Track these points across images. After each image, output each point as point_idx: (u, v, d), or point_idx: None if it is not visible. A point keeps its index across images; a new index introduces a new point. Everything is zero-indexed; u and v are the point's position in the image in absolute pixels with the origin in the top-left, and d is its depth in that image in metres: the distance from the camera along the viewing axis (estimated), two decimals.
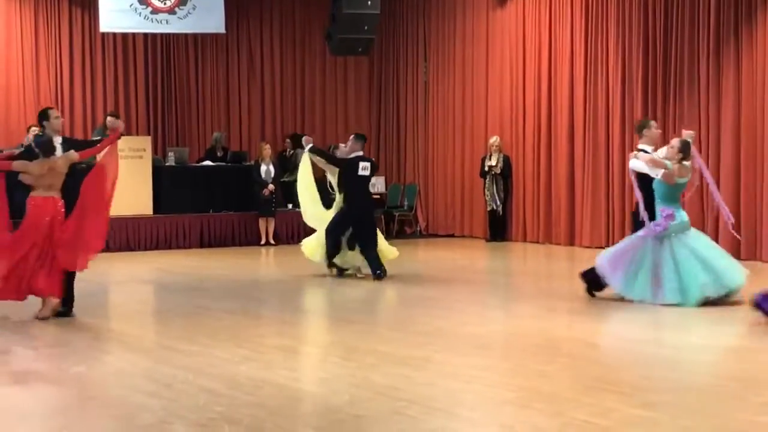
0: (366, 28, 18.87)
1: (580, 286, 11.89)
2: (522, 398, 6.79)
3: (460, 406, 6.60)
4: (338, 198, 13.68)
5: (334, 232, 13.41)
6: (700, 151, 14.51)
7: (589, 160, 17.76)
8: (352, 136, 14.01)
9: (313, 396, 6.94)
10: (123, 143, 18.72)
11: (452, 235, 21.02)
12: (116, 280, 14.81)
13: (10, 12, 20.12)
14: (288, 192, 19.39)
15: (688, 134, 11.21)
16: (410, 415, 6.26)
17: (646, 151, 11.22)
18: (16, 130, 18.53)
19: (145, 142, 19.16)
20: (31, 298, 10.29)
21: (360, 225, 13.39)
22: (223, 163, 20.14)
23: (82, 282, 11.99)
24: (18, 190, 10.51)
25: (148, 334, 9.72)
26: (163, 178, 19.06)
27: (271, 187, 19.04)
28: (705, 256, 10.84)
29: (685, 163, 10.86)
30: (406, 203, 22.16)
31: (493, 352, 8.75)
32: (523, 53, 19.30)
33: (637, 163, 11.09)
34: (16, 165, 10.02)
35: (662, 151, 11.16)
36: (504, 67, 19.77)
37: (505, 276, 14.18)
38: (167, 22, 20.15)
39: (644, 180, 11.01)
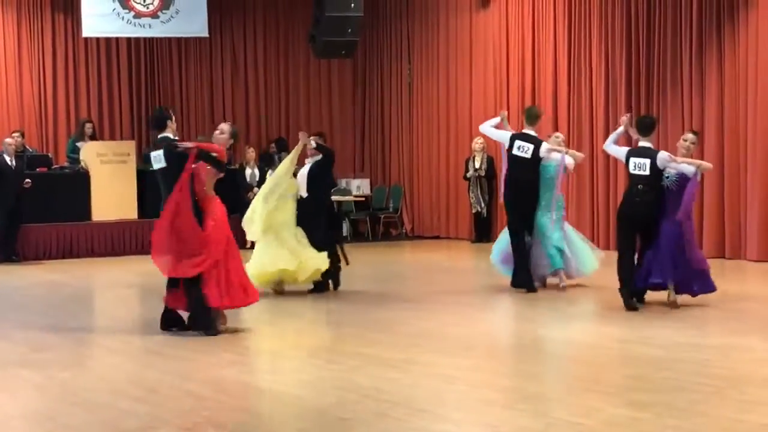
0: (349, 30, 18.87)
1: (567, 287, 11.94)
2: (506, 398, 6.80)
3: (445, 407, 6.61)
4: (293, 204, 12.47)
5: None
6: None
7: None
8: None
9: (298, 399, 6.94)
10: (106, 147, 18.76)
11: (438, 237, 21.03)
12: (101, 285, 14.78)
13: None
14: None
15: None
16: (395, 417, 6.27)
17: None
18: None
19: (129, 147, 19.11)
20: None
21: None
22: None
23: (67, 287, 12.01)
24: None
25: (133, 339, 9.70)
26: (147, 183, 19.00)
27: (255, 190, 19.01)
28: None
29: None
30: (391, 205, 22.17)
31: (478, 353, 8.76)
32: (506, 54, 19.32)
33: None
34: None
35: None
36: (488, 68, 19.80)
37: (489, 277, 14.15)
38: (150, 26, 20.10)
39: None
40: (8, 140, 17.32)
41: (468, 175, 19.11)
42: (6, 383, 7.62)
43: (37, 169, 17.87)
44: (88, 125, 19.04)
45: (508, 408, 6.52)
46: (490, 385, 7.38)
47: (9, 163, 16.97)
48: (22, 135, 18.53)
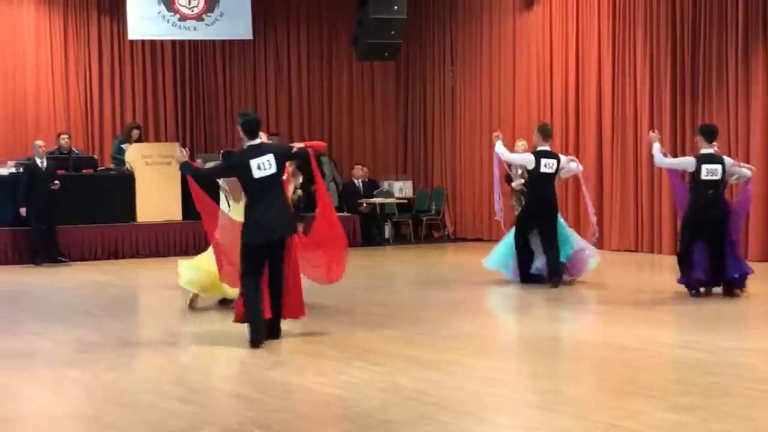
0: (393, 32, 18.92)
1: (605, 289, 11.87)
2: (547, 401, 6.79)
3: (487, 409, 6.60)
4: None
5: None
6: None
7: (617, 163, 17.70)
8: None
9: (342, 401, 6.96)
10: (152, 149, 18.91)
11: (480, 239, 20.99)
12: (146, 286, 14.89)
13: (40, 20, 20.29)
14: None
15: None
16: (438, 420, 6.27)
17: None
18: (46, 137, 18.64)
19: (173, 149, 19.23)
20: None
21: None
22: None
23: (112, 288, 12.09)
24: None
25: (178, 340, 9.77)
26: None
27: (299, 192, 19.04)
28: None
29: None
30: (433, 207, 22.16)
31: (519, 356, 8.75)
32: (550, 56, 19.26)
33: None
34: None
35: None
36: (531, 70, 19.74)
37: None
38: (195, 29, 20.26)
39: None
40: (39, 142, 17.48)
41: (513, 183, 19.01)
42: (53, 384, 7.69)
43: (83, 171, 18.05)
44: (135, 131, 19.14)
45: (548, 411, 6.50)
46: (531, 387, 7.37)
47: (40, 165, 17.13)
48: (69, 137, 18.70)
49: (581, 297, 12.45)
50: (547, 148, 13.30)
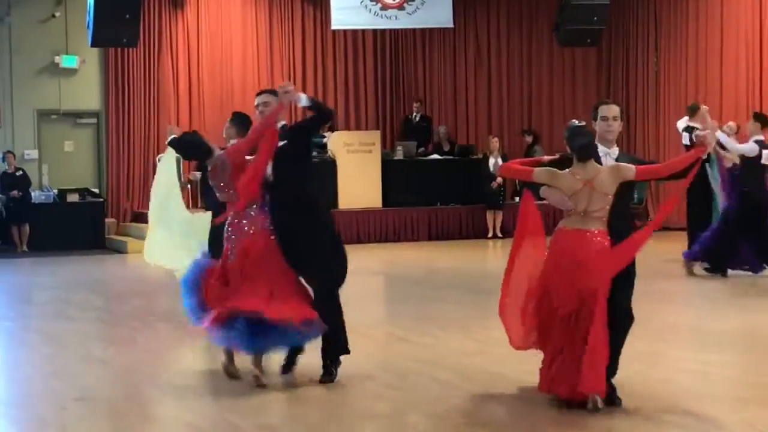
0: (595, 18, 18.63)
1: None
2: (764, 396, 6.56)
3: (699, 402, 6.43)
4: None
5: None
6: None
7: None
8: None
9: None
10: (353, 137, 19.18)
11: (683, 228, 20.43)
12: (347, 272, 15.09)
13: (246, 12, 20.84)
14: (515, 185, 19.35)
15: None
16: (648, 412, 6.15)
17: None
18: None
19: (374, 137, 19.51)
20: None
21: None
22: (451, 157, 20.26)
23: None
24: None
25: (380, 325, 9.87)
26: (391, 172, 19.33)
27: (499, 180, 19.02)
28: None
29: None
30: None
31: (731, 348, 8.49)
32: (760, 38, 18.57)
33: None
34: (540, 174, 6.50)
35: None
36: (740, 54, 19.09)
37: (738, 271, 13.70)
38: (396, 18, 20.42)
39: None
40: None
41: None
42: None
43: None
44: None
45: (764, 406, 6.29)
46: (744, 381, 7.15)
47: None
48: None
49: None
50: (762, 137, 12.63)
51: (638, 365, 7.44)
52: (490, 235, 19.20)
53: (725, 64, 19.46)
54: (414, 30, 21.59)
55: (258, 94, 7.48)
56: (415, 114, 20.98)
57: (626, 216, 6.65)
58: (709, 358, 7.85)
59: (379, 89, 21.87)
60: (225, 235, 7.28)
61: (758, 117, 13.04)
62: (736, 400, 6.60)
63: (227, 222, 7.33)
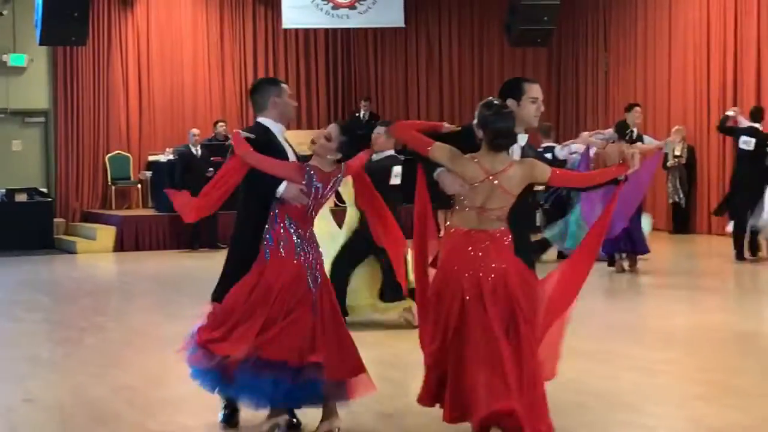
0: (545, 18, 18.72)
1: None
2: (710, 393, 6.63)
3: (645, 400, 6.48)
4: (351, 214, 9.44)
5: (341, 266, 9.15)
6: None
7: None
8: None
9: None
10: (304, 136, 19.09)
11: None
12: None
13: (197, 11, 20.72)
14: None
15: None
16: (594, 409, 6.20)
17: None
18: (203, 126, 19.02)
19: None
20: None
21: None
22: (402, 157, 20.22)
23: None
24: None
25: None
26: None
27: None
28: None
29: None
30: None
31: (680, 346, 8.57)
32: (707, 39, 18.75)
33: None
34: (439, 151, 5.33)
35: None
36: (687, 54, 19.26)
37: (689, 269, 13.85)
38: (348, 17, 20.40)
39: None
40: (194, 131, 17.83)
41: (668, 164, 18.61)
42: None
43: None
44: None
45: (711, 403, 6.35)
46: (692, 378, 7.21)
47: (194, 152, 17.47)
48: (226, 124, 19.03)
49: (743, 288, 12.13)
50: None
51: (585, 363, 7.49)
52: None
53: (673, 64, 19.63)
54: (366, 29, 21.59)
55: None
56: (363, 113, 20.98)
57: (524, 227, 5.51)
58: (655, 356, 7.92)
59: (331, 88, 21.86)
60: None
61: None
62: (683, 397, 6.66)
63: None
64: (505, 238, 5.22)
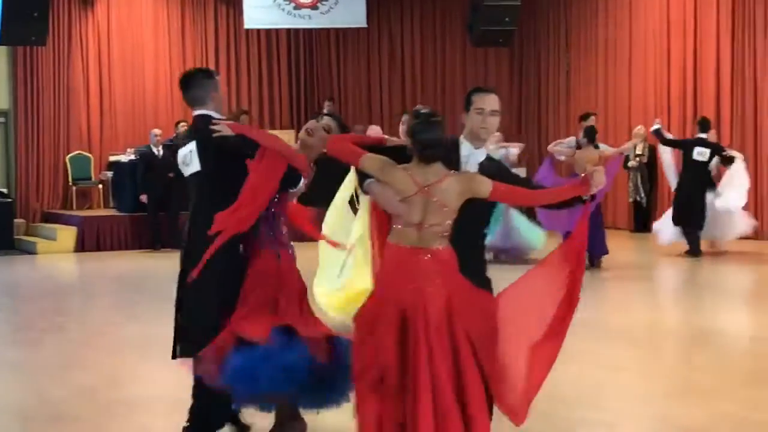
0: (507, 19, 18.79)
1: (731, 277, 11.61)
2: (672, 390, 6.67)
3: (608, 397, 6.51)
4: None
5: None
6: None
7: (736, 148, 17.27)
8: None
9: None
10: None
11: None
12: None
13: (158, 11, 20.62)
14: None
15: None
16: (558, 407, 6.21)
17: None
18: (164, 126, 18.93)
19: (288, 136, 19.40)
20: None
21: None
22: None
23: None
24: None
25: None
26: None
27: None
28: None
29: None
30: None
31: (641, 344, 8.62)
32: (667, 38, 18.88)
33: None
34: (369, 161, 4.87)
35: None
36: (648, 54, 19.39)
37: (650, 267, 13.93)
38: (310, 17, 20.39)
39: None
40: (155, 131, 17.74)
41: (629, 164, 18.72)
42: (174, 367, 7.80)
43: None
44: (244, 117, 19.32)
45: (673, 399, 6.39)
46: (653, 376, 7.25)
47: (156, 153, 17.38)
48: (188, 124, 18.92)
49: (704, 286, 12.22)
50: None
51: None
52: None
53: (634, 64, 19.75)
54: (328, 29, 21.57)
55: None
56: (326, 113, 20.92)
57: (473, 245, 5.04)
58: (618, 353, 7.96)
59: (293, 88, 21.82)
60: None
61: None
62: (646, 394, 6.70)
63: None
64: (448, 257, 4.74)
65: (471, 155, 5.01)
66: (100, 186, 19.66)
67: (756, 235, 16.04)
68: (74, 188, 19.48)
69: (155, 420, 6.15)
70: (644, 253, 16.27)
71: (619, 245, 16.10)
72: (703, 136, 14.93)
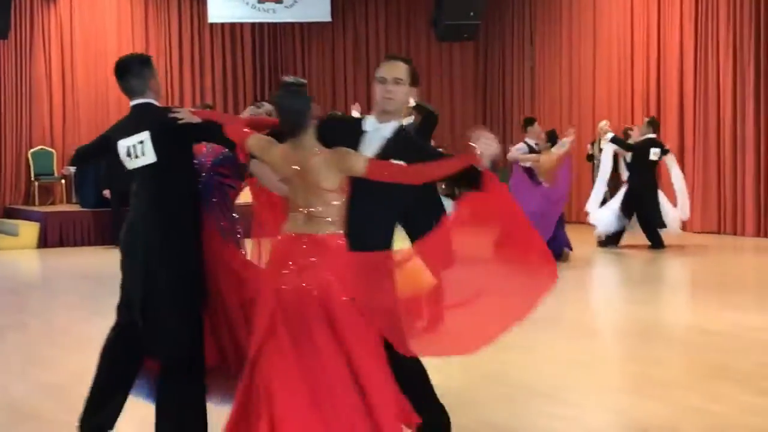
0: (472, 13, 18.86)
1: (692, 272, 11.69)
2: (631, 384, 6.71)
3: (571, 391, 6.55)
4: None
5: None
6: None
7: (699, 143, 17.41)
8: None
9: None
10: None
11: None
12: None
13: (121, 6, 20.50)
14: None
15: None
16: (521, 401, 6.24)
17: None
18: None
19: None
20: None
21: None
22: None
23: None
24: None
25: None
26: None
27: None
28: None
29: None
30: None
31: (599, 337, 8.66)
32: (631, 34, 18.98)
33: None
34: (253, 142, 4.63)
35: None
36: (612, 49, 19.49)
37: (615, 262, 14.00)
38: (274, 12, 20.37)
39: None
40: None
41: (595, 160, 18.79)
42: None
43: None
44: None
45: (634, 394, 6.43)
46: (615, 370, 7.30)
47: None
48: None
49: (665, 280, 12.30)
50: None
51: (508, 354, 7.54)
52: None
53: (598, 58, 19.84)
54: (292, 24, 21.54)
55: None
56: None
57: (376, 233, 4.58)
58: (576, 347, 8.00)
59: (258, 83, 21.76)
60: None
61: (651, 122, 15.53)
62: (605, 387, 6.73)
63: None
64: (335, 244, 4.37)
65: (375, 131, 4.60)
66: (63, 181, 19.54)
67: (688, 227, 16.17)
68: (36, 183, 19.35)
69: (120, 416, 6.11)
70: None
71: (580, 238, 16.18)
72: (653, 135, 15.29)
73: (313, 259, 4.33)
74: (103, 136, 5.51)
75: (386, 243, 4.61)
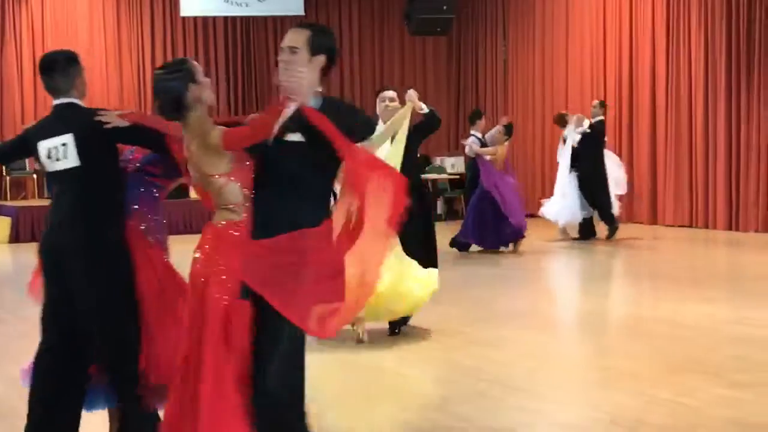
0: (445, 7, 18.83)
1: (663, 265, 11.74)
2: (604, 377, 6.75)
3: (543, 385, 6.58)
4: None
5: None
6: None
7: (671, 137, 17.49)
8: None
9: (401, 377, 6.97)
10: None
11: (532, 216, 20.83)
12: None
13: (93, 1, 20.38)
14: None
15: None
16: (494, 395, 6.27)
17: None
18: None
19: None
20: None
21: None
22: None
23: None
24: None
25: None
26: None
27: None
28: None
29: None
30: None
31: (573, 332, 8.71)
32: (603, 30, 19.04)
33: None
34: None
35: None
36: (584, 43, 19.55)
37: (586, 255, 14.06)
38: (247, 5, 20.31)
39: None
40: None
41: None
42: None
43: None
44: None
45: (607, 387, 6.47)
46: (588, 364, 7.34)
47: None
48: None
49: (638, 274, 12.36)
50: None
51: (481, 350, 7.58)
52: None
53: (571, 52, 19.90)
54: (265, 17, 21.48)
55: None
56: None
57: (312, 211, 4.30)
58: (548, 341, 8.04)
59: (231, 77, 21.70)
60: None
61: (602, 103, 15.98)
62: (578, 381, 6.77)
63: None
64: (230, 234, 4.18)
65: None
66: (35, 176, 19.43)
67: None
68: (8, 178, 19.23)
69: (92, 413, 6.10)
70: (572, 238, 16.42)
71: (543, 228, 16.26)
72: (602, 117, 15.87)
73: (208, 250, 4.16)
74: (22, 137, 5.23)
75: (317, 217, 4.26)
